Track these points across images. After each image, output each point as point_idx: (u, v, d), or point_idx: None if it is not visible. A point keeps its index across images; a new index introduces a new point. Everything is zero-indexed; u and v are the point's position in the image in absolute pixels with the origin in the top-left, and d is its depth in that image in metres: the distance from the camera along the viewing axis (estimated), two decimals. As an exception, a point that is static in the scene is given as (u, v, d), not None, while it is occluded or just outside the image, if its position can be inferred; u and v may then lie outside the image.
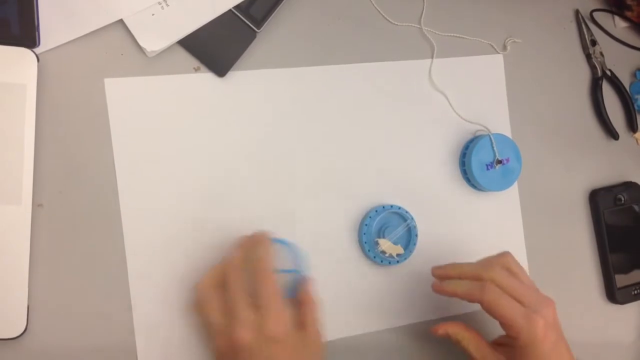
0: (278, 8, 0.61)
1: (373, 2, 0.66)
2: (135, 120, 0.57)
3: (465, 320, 0.62)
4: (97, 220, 0.55)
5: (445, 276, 0.57)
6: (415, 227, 0.64)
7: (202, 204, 0.59)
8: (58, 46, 0.55)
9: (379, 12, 0.66)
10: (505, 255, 0.58)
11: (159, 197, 0.57)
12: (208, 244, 0.58)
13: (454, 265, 0.58)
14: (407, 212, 0.63)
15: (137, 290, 0.56)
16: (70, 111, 0.55)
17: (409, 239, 0.64)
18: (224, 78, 0.60)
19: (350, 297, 0.63)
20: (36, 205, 0.53)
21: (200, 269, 0.57)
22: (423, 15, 0.68)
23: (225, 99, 0.60)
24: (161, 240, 0.57)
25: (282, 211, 0.61)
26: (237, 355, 0.49)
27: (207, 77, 0.60)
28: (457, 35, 0.69)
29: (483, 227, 0.69)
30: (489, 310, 0.53)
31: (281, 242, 0.58)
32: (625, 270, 0.73)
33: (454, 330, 0.58)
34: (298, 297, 0.55)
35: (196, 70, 0.59)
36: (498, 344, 0.58)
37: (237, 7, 0.59)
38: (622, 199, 0.73)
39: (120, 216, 0.56)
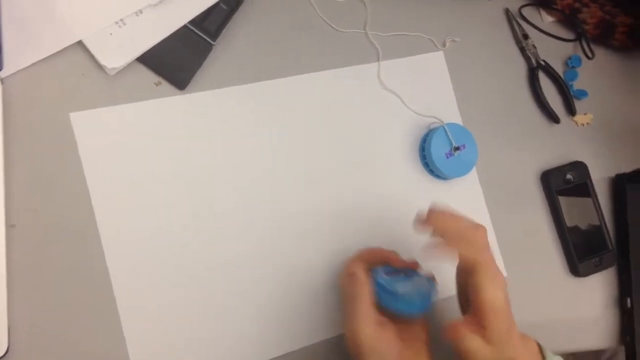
0: (230, 21, 0.64)
1: (318, 11, 0.70)
2: (103, 146, 0.59)
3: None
4: (74, 236, 0.56)
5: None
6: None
7: (178, 217, 0.60)
8: (21, 69, 0.56)
9: (325, 21, 0.70)
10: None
11: (135, 211, 0.58)
12: (186, 255, 0.59)
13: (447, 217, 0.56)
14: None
15: (124, 303, 0.56)
16: (37, 132, 0.56)
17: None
18: (187, 100, 0.62)
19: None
20: (9, 225, 0.53)
21: (182, 276, 0.58)
22: (368, 20, 0.72)
23: (188, 120, 0.62)
24: (142, 252, 0.58)
25: (250, 224, 0.63)
26: (357, 349, 0.52)
27: (169, 101, 0.62)
28: (400, 33, 0.73)
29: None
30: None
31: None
32: (583, 243, 0.77)
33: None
34: None
35: (157, 85, 0.61)
36: None
37: (191, 21, 0.62)
38: (571, 177, 0.78)
39: (98, 230, 0.56)
